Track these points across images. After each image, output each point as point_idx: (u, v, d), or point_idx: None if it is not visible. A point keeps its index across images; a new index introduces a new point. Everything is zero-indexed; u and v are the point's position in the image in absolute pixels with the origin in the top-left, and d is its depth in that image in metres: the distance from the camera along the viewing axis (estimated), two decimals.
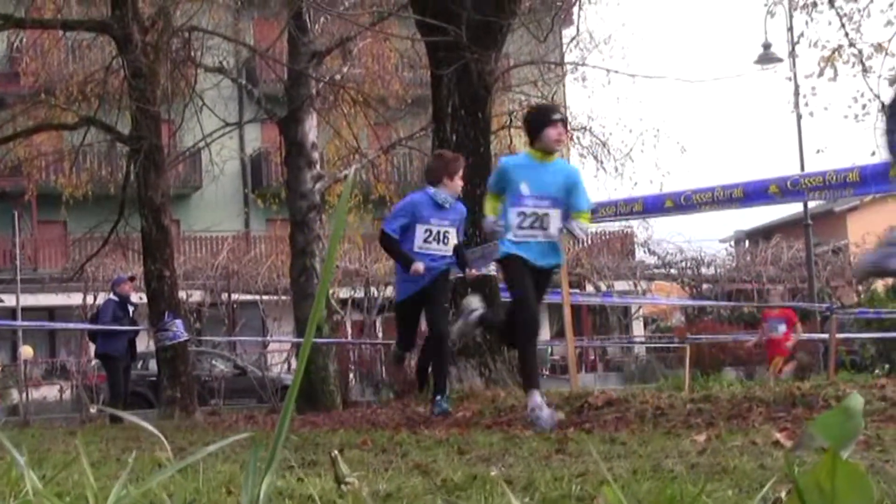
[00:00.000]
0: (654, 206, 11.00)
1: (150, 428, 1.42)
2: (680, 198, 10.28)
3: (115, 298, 18.37)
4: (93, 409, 25.33)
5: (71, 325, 28.31)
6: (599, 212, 11.71)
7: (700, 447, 5.12)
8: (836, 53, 19.62)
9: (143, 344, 21.84)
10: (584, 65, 25.38)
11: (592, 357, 42.98)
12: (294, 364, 21.78)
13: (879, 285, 43.40)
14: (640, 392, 9.80)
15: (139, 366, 28.47)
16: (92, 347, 20.57)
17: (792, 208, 46.38)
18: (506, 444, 6.12)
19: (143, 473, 4.41)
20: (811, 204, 41.61)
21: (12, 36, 28.07)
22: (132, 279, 19.81)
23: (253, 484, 1.15)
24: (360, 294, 38.21)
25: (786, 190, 9.23)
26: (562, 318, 13.11)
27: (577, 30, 22.44)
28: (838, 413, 1.05)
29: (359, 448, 6.28)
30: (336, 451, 1.96)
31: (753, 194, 9.46)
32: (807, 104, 21.24)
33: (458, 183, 10.31)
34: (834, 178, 8.95)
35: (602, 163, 26.01)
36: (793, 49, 26.26)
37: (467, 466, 4.58)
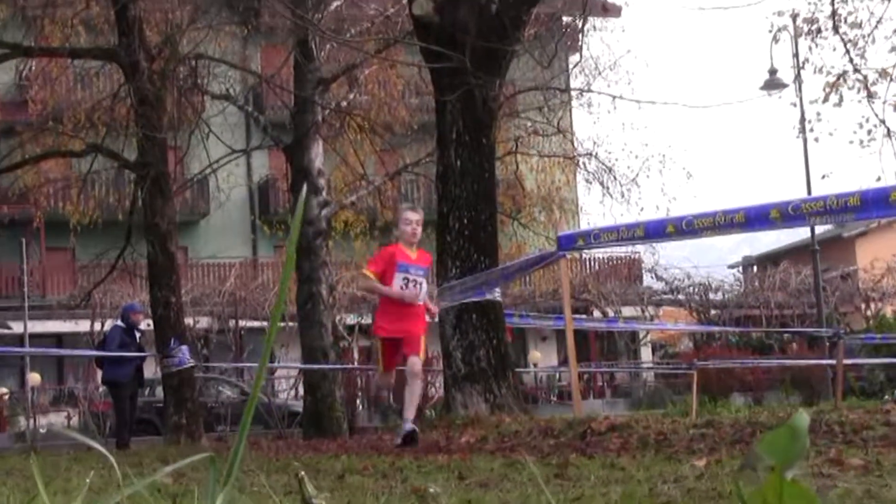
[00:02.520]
0: (655, 231, 11.01)
1: (100, 448, 1.44)
2: (682, 223, 10.30)
3: (122, 325, 18.38)
4: (42, 430, 25.44)
5: (78, 352, 28.36)
6: (602, 237, 11.73)
7: (698, 472, 5.12)
8: (841, 79, 19.65)
9: (150, 370, 21.85)
10: (589, 91, 25.43)
11: (600, 383, 42.90)
12: (301, 391, 21.82)
13: (888, 310, 43.32)
14: (643, 417, 9.80)
15: (146, 392, 28.48)
16: (99, 374, 20.59)
17: (800, 234, 46.41)
18: (506, 469, 6.12)
19: (142, 499, 4.42)
20: (820, 229, 41.62)
21: (21, 64, 28.20)
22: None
23: (212, 501, 1.16)
24: (367, 320, 38.21)
25: (787, 215, 9.24)
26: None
27: (581, 56, 22.47)
28: (784, 432, 1.07)
29: (360, 473, 6.29)
30: (302, 472, 1.98)
31: (755, 219, 9.48)
32: (811, 130, 21.27)
33: None
34: (835, 202, 8.95)
35: (608, 188, 26.02)
36: (798, 75, 26.33)
37: (464, 492, 4.59)
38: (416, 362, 10.51)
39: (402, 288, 10.67)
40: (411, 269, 10.83)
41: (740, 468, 1.00)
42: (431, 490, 3.85)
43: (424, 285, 11.01)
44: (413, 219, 10.05)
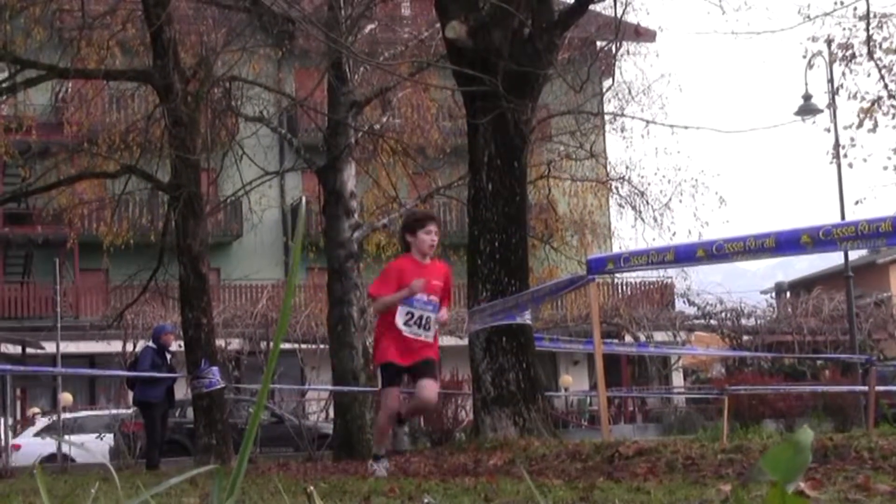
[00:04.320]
0: (686, 256, 10.99)
1: (105, 461, 1.45)
2: (712, 247, 10.27)
3: (153, 346, 18.46)
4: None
5: (110, 372, 28.48)
6: (632, 261, 11.71)
7: (723, 497, 5.09)
8: (876, 105, 19.61)
9: (181, 391, 21.91)
10: (622, 115, 25.46)
11: (631, 408, 42.76)
12: (331, 413, 21.88)
13: None
14: (671, 442, 9.75)
15: (177, 413, 28.53)
16: (130, 394, 20.65)
17: (834, 260, 46.27)
18: (532, 492, 6.11)
19: None
20: (854, 256, 41.39)
21: (57, 86, 28.42)
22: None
23: None
24: None
25: (818, 240, 9.21)
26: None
27: (614, 80, 22.48)
28: (787, 447, 1.07)
29: (385, 495, 6.28)
30: (311, 487, 1.98)
31: (785, 244, 9.45)
32: (846, 155, 21.22)
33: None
34: (866, 228, 8.92)
35: (640, 213, 26.00)
36: (832, 100, 26.27)
37: None
38: None
39: None
40: None
41: (742, 482, 1.00)
42: (426, 501, 3.86)
43: None
44: None
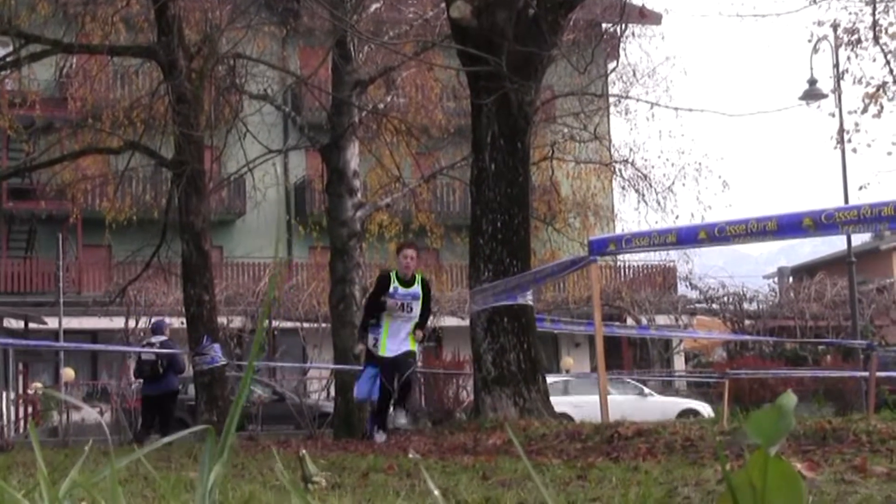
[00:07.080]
0: (687, 238, 10.99)
1: (102, 421, 1.46)
2: (714, 229, 10.26)
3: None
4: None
5: (112, 348, 28.50)
6: (634, 242, 11.71)
7: (720, 476, 5.11)
8: (881, 90, 19.56)
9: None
10: (626, 97, 25.43)
11: None
12: (332, 392, 21.95)
13: None
14: (671, 423, 9.77)
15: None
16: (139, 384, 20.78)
17: (837, 245, 46.23)
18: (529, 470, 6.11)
19: (168, 494, 4.44)
20: (857, 242, 41.36)
21: (61, 61, 28.39)
22: None
23: (208, 470, 1.19)
24: None
25: (820, 223, 9.20)
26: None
27: (619, 62, 22.45)
28: (771, 411, 1.08)
29: (384, 472, 6.30)
30: (304, 451, 2.01)
31: (787, 227, 9.44)
32: (850, 140, 21.15)
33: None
34: (868, 211, 8.93)
35: (643, 195, 25.99)
36: (837, 85, 26.20)
37: (486, 490, 4.61)
38: None
39: None
40: None
41: (727, 446, 1.01)
42: (411, 455, 3.89)
43: None
44: None
